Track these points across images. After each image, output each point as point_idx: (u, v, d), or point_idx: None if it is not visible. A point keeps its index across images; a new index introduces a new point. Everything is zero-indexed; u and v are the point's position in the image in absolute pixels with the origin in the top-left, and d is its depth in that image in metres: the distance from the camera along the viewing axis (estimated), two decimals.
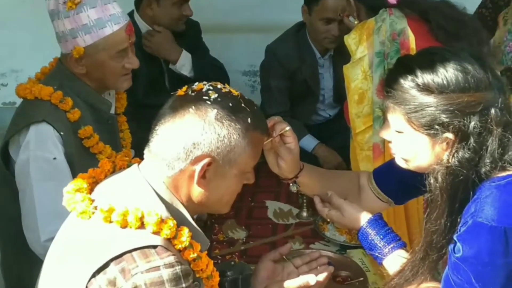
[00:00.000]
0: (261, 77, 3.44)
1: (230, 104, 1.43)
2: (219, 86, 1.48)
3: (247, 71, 4.13)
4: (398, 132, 1.52)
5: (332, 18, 3.03)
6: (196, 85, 1.47)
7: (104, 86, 2.17)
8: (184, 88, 1.48)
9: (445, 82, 1.42)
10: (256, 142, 1.48)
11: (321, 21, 3.07)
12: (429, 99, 1.43)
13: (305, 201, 2.82)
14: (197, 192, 1.46)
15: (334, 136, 3.37)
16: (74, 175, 2.02)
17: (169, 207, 1.44)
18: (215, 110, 1.40)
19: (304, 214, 2.77)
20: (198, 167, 1.41)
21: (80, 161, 2.06)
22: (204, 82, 1.48)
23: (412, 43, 2.30)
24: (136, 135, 2.31)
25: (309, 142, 3.29)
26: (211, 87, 1.46)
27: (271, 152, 1.75)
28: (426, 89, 1.44)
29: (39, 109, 2.03)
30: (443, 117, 1.41)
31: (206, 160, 1.40)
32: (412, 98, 1.45)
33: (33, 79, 2.18)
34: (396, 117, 1.50)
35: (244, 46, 4.05)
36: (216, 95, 1.43)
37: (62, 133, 2.01)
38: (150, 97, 3.16)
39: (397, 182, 1.80)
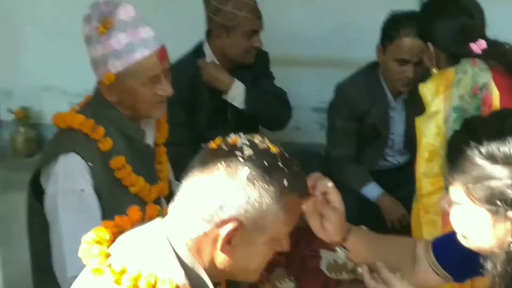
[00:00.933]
0: (328, 116, 3.31)
1: (266, 163, 1.31)
2: (256, 141, 1.36)
3: (317, 108, 4.00)
4: (457, 203, 1.36)
5: (407, 60, 2.88)
6: (231, 138, 1.37)
7: (137, 114, 2.11)
8: (218, 141, 1.38)
9: (510, 151, 1.26)
10: (292, 207, 1.35)
11: (395, 61, 2.91)
12: (493, 170, 1.27)
13: None
14: (221, 258, 1.34)
15: (401, 185, 3.18)
16: (104, 208, 2.00)
17: (189, 272, 1.32)
18: (247, 170, 1.28)
19: (360, 270, 2.59)
20: (223, 232, 1.29)
21: (111, 193, 2.02)
22: (241, 135, 1.37)
23: (495, 100, 2.10)
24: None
25: (373, 190, 3.13)
26: (247, 142, 1.35)
27: (314, 214, 1.61)
28: (490, 158, 1.28)
29: (69, 138, 2.00)
30: (507, 193, 1.25)
31: (232, 225, 1.28)
32: (473, 166, 1.30)
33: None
34: (455, 186, 1.36)
35: (315, 81, 3.92)
36: (251, 151, 1.32)
37: (90, 164, 1.97)
38: (212, 131, 3.09)
39: (459, 257, 1.60)
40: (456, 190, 1.35)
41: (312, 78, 3.94)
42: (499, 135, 1.29)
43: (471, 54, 2.18)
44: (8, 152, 4.43)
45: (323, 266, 2.74)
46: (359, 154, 3.24)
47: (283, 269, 2.72)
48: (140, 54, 1.97)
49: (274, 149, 1.35)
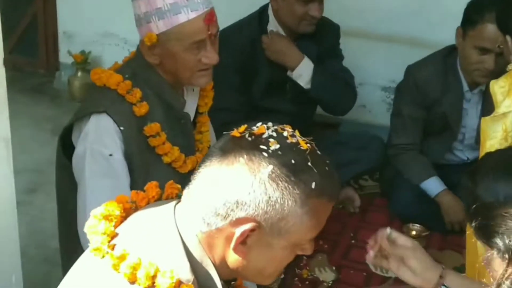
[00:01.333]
0: (395, 100, 3.09)
1: (293, 161, 1.14)
2: (285, 133, 1.19)
3: (386, 87, 3.77)
4: None
5: (489, 49, 2.59)
6: (258, 127, 1.20)
7: (179, 80, 1.96)
8: (242, 128, 1.20)
9: None
10: (319, 211, 1.18)
11: (475, 49, 2.64)
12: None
13: None
14: (233, 258, 1.19)
15: None
16: (133, 175, 1.90)
17: (196, 267, 1.18)
18: (271, 167, 1.12)
19: None
20: (238, 231, 1.14)
21: (142, 160, 1.91)
22: (269, 125, 1.20)
23: None
24: None
25: (435, 185, 2.91)
26: (274, 134, 1.18)
27: (400, 264, 1.56)
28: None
29: (104, 98, 1.88)
30: None
31: (249, 225, 1.13)
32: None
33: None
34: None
35: (387, 57, 3.67)
36: (278, 146, 1.15)
37: (122, 128, 1.85)
38: (267, 100, 2.95)
39: None
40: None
41: (383, 54, 3.71)
42: None
43: None
44: (65, 95, 4.42)
45: (369, 260, 2.61)
46: (424, 145, 3.02)
47: (325, 256, 2.59)
48: (185, 16, 1.82)
49: (304, 145, 1.18)
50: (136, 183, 1.91)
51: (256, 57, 2.88)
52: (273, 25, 2.87)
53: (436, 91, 2.86)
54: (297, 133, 1.21)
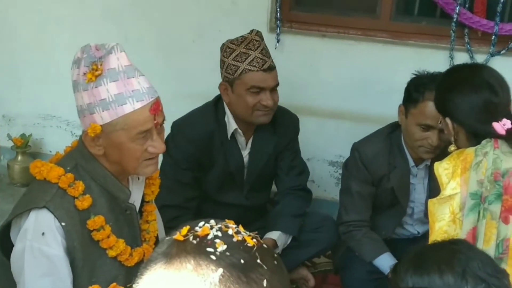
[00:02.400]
0: (342, 177, 3.13)
1: (242, 261, 1.12)
2: (230, 231, 1.17)
3: (334, 162, 3.85)
4: None
5: (431, 126, 2.67)
6: (201, 228, 1.17)
7: (124, 170, 1.96)
8: (185, 230, 1.17)
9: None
10: None
11: (418, 126, 2.71)
12: None
13: None
14: None
15: None
16: (77, 272, 1.86)
17: None
18: (221, 270, 1.09)
19: None
20: None
21: (86, 256, 1.88)
22: (212, 224, 1.18)
23: None
24: None
25: (387, 262, 2.92)
26: (219, 233, 1.16)
27: None
28: None
29: (44, 192, 1.85)
30: None
31: None
32: None
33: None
34: None
35: (334, 134, 3.76)
36: (225, 246, 1.13)
37: (64, 224, 1.82)
38: (222, 195, 2.97)
39: None
40: None
41: (330, 130, 3.80)
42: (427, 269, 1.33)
43: (494, 135, 1.99)
44: (5, 180, 4.33)
45: None
46: (375, 220, 3.06)
47: None
48: (131, 106, 1.83)
49: (251, 241, 1.17)
50: (80, 278, 1.88)
51: (212, 151, 2.88)
52: (229, 116, 2.87)
53: (383, 168, 2.92)
54: (241, 228, 1.20)
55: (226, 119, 2.87)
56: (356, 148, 2.99)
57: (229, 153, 2.91)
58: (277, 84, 2.80)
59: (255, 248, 1.16)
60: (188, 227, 1.18)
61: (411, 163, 2.93)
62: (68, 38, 3.88)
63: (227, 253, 1.13)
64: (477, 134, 2.04)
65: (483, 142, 1.98)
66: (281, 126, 3.00)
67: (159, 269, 1.14)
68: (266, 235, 2.91)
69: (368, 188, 2.98)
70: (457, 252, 1.37)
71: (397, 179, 2.94)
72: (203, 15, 3.75)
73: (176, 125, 2.84)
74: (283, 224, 2.97)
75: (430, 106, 2.65)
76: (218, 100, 2.92)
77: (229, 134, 2.88)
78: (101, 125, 1.83)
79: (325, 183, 3.92)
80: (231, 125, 2.86)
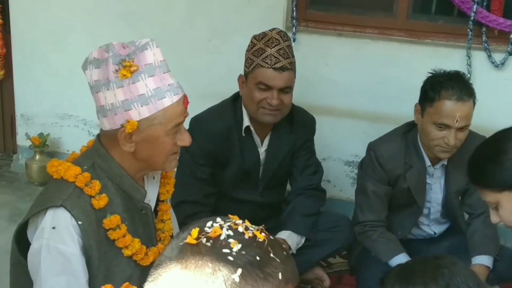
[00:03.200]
0: (358, 177, 3.12)
1: (257, 258, 1.13)
2: (240, 228, 1.17)
3: (350, 161, 3.84)
4: None
5: (448, 125, 2.66)
6: (211, 228, 1.17)
7: (149, 167, 1.98)
8: (195, 233, 1.16)
9: None
10: None
11: (434, 125, 2.70)
12: None
13: None
14: None
15: None
16: (92, 271, 1.88)
17: None
18: (240, 270, 1.10)
19: None
20: None
21: (101, 255, 1.89)
22: (220, 223, 1.18)
23: None
24: None
25: (403, 262, 2.91)
26: (231, 233, 1.16)
27: None
28: None
29: (61, 191, 1.87)
30: None
31: None
32: None
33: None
34: None
35: (350, 133, 3.76)
36: (239, 245, 1.13)
37: (80, 223, 1.83)
38: (237, 191, 2.99)
39: None
40: None
41: (345, 129, 3.80)
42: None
43: None
44: (23, 179, 4.38)
45: None
46: (391, 220, 3.05)
47: None
48: (169, 100, 1.85)
49: (261, 236, 1.17)
50: (95, 277, 1.90)
51: (230, 147, 2.90)
52: (244, 113, 2.89)
53: (399, 168, 2.91)
54: (247, 223, 1.20)
55: (242, 116, 2.89)
56: (371, 147, 2.98)
57: (245, 150, 2.92)
58: (288, 87, 2.78)
59: (266, 243, 1.17)
60: (197, 229, 1.17)
61: (428, 162, 2.92)
62: (86, 39, 3.91)
63: (243, 252, 1.13)
64: None
65: None
66: (298, 126, 3.01)
67: (176, 274, 1.13)
68: (277, 235, 2.92)
69: (384, 188, 2.97)
70: (442, 267, 1.42)
71: (413, 178, 2.93)
72: (219, 15, 3.77)
73: (194, 121, 2.86)
74: (294, 224, 2.98)
75: (446, 105, 2.65)
76: (236, 97, 2.94)
77: (242, 131, 2.90)
78: (137, 121, 1.84)
79: (341, 182, 3.91)
80: (245, 122, 2.89)
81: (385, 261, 2.93)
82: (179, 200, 2.84)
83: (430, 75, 2.79)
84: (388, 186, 2.97)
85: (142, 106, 1.83)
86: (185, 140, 1.97)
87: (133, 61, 1.82)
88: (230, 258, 1.11)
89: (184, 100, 1.92)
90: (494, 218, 1.91)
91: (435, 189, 3.00)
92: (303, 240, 2.99)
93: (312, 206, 3.07)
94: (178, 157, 2.03)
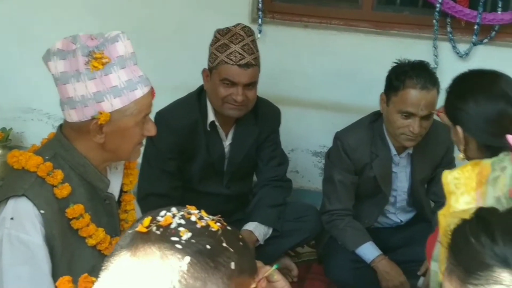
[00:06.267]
0: (325, 166, 3.17)
1: (208, 246, 1.13)
2: (193, 217, 1.18)
3: (317, 152, 3.89)
4: None
5: (413, 113, 2.71)
6: (163, 217, 1.18)
7: (115, 157, 2.01)
8: (147, 221, 1.17)
9: None
10: None
11: (399, 114, 2.75)
12: (502, 275, 1.09)
13: None
14: None
15: (402, 247, 3.08)
16: (56, 261, 1.87)
17: None
18: (188, 258, 1.10)
19: None
20: None
21: (65, 244, 1.89)
22: (173, 212, 1.19)
23: None
24: None
25: (370, 251, 2.97)
26: (182, 221, 1.17)
27: None
28: (502, 260, 1.10)
29: (22, 181, 1.86)
30: None
31: None
32: (479, 266, 1.12)
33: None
34: (451, 284, 1.18)
35: (318, 124, 3.80)
36: (190, 234, 1.14)
37: (43, 212, 1.83)
38: (203, 184, 3.02)
39: None
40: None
41: (314, 121, 3.83)
42: None
43: (508, 148, 1.83)
44: None
45: None
46: (358, 209, 3.10)
47: None
48: (141, 91, 1.89)
49: (214, 226, 1.18)
50: (58, 267, 1.89)
51: (195, 141, 2.92)
52: (209, 107, 2.91)
53: (365, 157, 2.96)
54: (203, 213, 1.21)
55: (207, 110, 2.91)
56: (338, 137, 3.03)
57: (210, 143, 2.94)
58: (253, 82, 2.81)
59: (219, 232, 1.17)
60: (150, 217, 1.19)
61: (393, 151, 2.97)
62: (48, 31, 3.87)
63: (193, 240, 1.13)
64: (490, 147, 1.96)
65: (501, 155, 1.84)
66: (263, 118, 3.04)
67: (125, 262, 1.14)
68: (244, 227, 2.96)
69: (351, 177, 3.01)
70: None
71: (379, 167, 2.98)
72: (185, 6, 3.77)
73: (159, 114, 2.87)
74: (260, 215, 3.02)
75: (411, 94, 2.70)
76: (201, 90, 2.95)
77: (207, 125, 2.91)
78: (109, 113, 1.86)
79: (309, 173, 3.95)
80: (210, 116, 2.90)
81: (352, 250, 2.99)
82: (146, 193, 2.86)
83: (394, 64, 2.84)
84: (354, 175, 3.02)
85: (114, 98, 1.85)
86: (151, 130, 2.00)
87: (103, 53, 1.83)
88: (179, 246, 1.12)
89: (152, 91, 1.96)
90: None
91: (401, 178, 3.05)
92: (270, 231, 3.03)
93: (278, 197, 3.11)
94: (140, 149, 2.06)
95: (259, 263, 1.35)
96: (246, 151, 3.03)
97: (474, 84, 2.09)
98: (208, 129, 2.92)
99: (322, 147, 3.85)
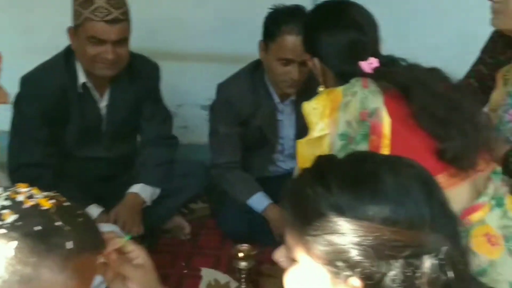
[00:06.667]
0: (210, 119, 3.10)
1: (38, 228, 1.05)
2: (20, 197, 1.09)
3: (206, 106, 3.80)
4: (293, 260, 1.17)
5: (291, 59, 2.68)
6: None
7: None
8: None
9: (362, 205, 1.08)
10: (84, 269, 1.10)
11: (279, 61, 2.71)
12: (338, 223, 1.08)
13: (243, 276, 2.58)
14: None
15: None
16: None
17: None
18: (14, 243, 1.02)
19: None
20: None
21: None
22: None
23: (385, 128, 1.83)
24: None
25: (260, 201, 2.96)
26: (7, 203, 1.07)
27: (116, 280, 1.36)
28: (337, 209, 1.09)
29: None
30: (351, 253, 1.06)
31: None
32: (316, 216, 1.10)
33: None
34: (291, 238, 1.16)
35: (203, 77, 3.69)
36: (16, 216, 1.05)
37: None
38: (81, 149, 2.87)
39: None
40: (293, 243, 1.16)
41: (199, 74, 3.73)
42: (352, 183, 1.11)
43: (361, 74, 1.93)
44: None
45: (203, 286, 2.70)
46: (247, 160, 3.07)
47: None
48: None
49: (46, 204, 1.10)
50: None
51: (66, 105, 2.74)
52: (79, 69, 2.73)
53: (248, 107, 2.92)
54: (35, 190, 1.12)
55: (77, 71, 2.74)
56: (220, 89, 2.98)
57: (84, 106, 2.78)
58: (123, 38, 2.64)
59: (52, 211, 1.09)
60: None
61: (276, 99, 2.95)
62: None
63: (19, 222, 1.05)
64: (345, 74, 1.97)
65: (352, 81, 1.91)
66: (139, 76, 2.89)
67: None
68: (130, 189, 2.87)
69: (236, 128, 2.97)
70: None
71: (263, 117, 2.95)
72: None
73: (25, 80, 2.68)
74: (146, 176, 2.93)
75: (288, 40, 2.66)
76: (68, 51, 2.75)
77: (78, 87, 2.75)
78: None
79: (199, 128, 3.85)
80: (80, 77, 2.73)
81: (243, 201, 2.97)
82: (18, 163, 2.70)
83: (270, 10, 2.79)
84: (239, 126, 2.98)
85: None
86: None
87: None
88: (3, 231, 1.03)
89: None
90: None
91: (287, 125, 3.04)
92: (158, 191, 2.95)
93: (164, 155, 3.02)
94: None
95: (110, 235, 1.28)
96: (125, 111, 2.90)
97: (325, 15, 2.12)
98: (81, 91, 2.76)
99: (210, 100, 3.73)
